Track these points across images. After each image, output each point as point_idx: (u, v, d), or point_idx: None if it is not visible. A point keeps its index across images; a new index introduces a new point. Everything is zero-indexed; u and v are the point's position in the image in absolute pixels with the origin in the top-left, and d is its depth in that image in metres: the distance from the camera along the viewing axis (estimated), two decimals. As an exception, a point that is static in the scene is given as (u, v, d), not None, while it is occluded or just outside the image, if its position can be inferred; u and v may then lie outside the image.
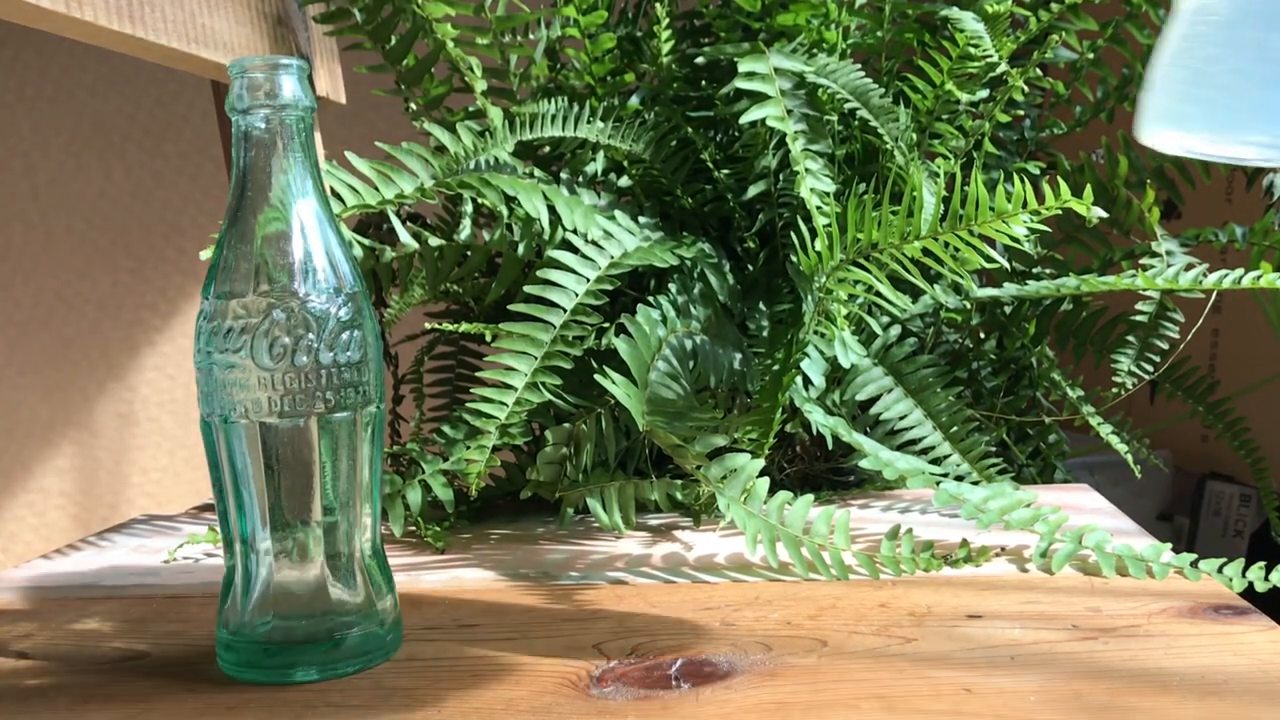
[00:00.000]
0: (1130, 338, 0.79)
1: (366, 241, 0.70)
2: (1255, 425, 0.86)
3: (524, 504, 0.72)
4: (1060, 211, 0.55)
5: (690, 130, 0.77)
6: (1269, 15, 0.36)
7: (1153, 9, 0.81)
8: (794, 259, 0.69)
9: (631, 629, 0.51)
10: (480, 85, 0.76)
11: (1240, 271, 0.65)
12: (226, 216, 0.46)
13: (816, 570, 0.58)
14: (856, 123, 0.76)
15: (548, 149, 0.81)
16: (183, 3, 0.71)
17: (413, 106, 0.80)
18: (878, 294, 0.63)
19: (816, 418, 0.69)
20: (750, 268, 0.78)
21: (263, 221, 0.46)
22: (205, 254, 0.56)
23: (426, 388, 0.83)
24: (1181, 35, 0.38)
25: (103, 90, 1.43)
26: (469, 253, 0.72)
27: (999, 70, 0.71)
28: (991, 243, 0.57)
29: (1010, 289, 0.72)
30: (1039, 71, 0.78)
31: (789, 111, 0.70)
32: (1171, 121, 0.38)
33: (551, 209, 0.69)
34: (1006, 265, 0.65)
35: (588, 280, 0.65)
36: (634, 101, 0.79)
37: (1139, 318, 0.79)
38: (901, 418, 0.72)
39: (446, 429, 0.69)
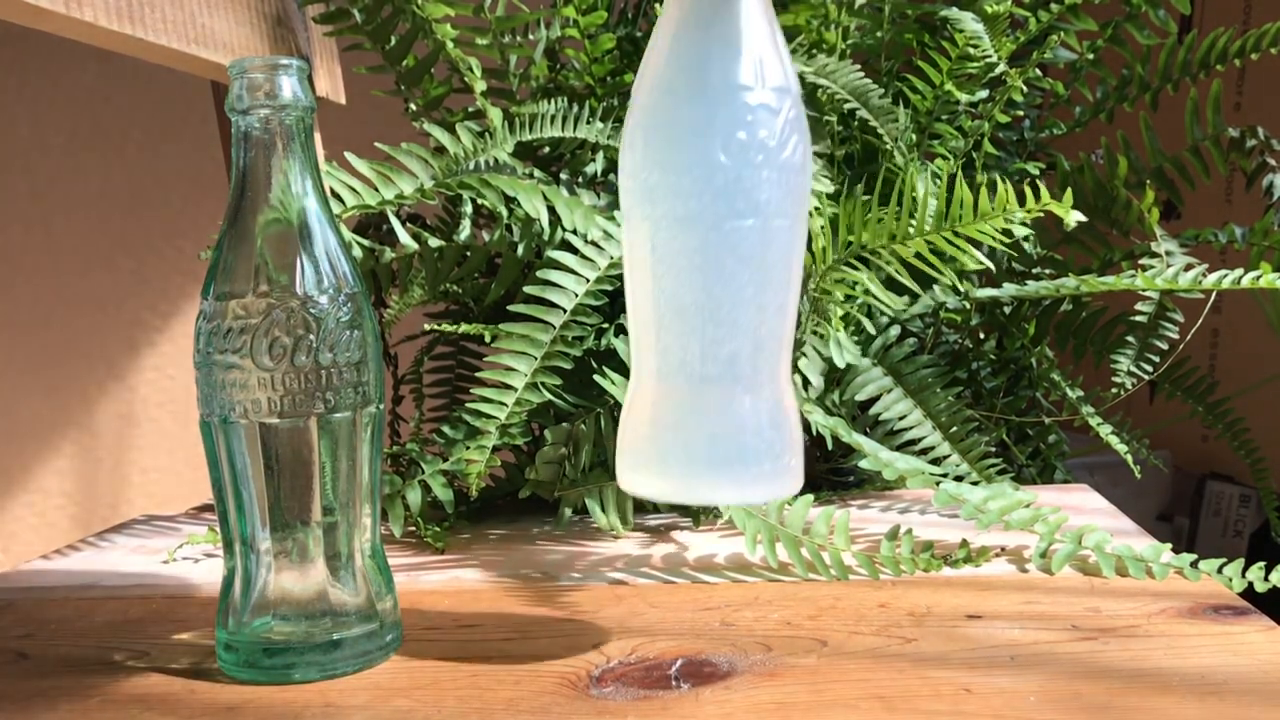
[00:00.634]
0: (1130, 338, 0.79)
1: (366, 242, 0.70)
2: (1255, 425, 0.86)
3: (523, 504, 0.72)
4: (1041, 214, 0.55)
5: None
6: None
7: (1153, 9, 0.81)
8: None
9: (631, 629, 0.51)
10: (480, 86, 0.76)
11: (1240, 272, 0.65)
12: (226, 217, 0.46)
13: (816, 570, 0.58)
14: (856, 123, 0.76)
15: (548, 149, 0.81)
16: (183, 3, 0.71)
17: (412, 107, 0.80)
18: (872, 294, 0.63)
19: (816, 418, 0.69)
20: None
21: (262, 222, 0.46)
22: (205, 254, 0.56)
23: (426, 388, 0.83)
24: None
25: (103, 90, 1.43)
26: (469, 253, 0.72)
27: (998, 71, 0.71)
28: (978, 245, 0.57)
29: (1010, 289, 0.72)
30: (1038, 72, 0.78)
31: (789, 112, 0.70)
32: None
33: (551, 209, 0.69)
34: (991, 267, 0.65)
35: (587, 280, 0.65)
36: (634, 102, 0.79)
37: (1139, 318, 0.79)
38: (901, 418, 0.72)
39: (446, 429, 0.69)
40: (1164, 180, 0.83)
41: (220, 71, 0.77)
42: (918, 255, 0.58)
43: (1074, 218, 0.54)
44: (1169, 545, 0.58)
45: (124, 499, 1.50)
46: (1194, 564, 0.56)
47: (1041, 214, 0.54)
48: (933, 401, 0.72)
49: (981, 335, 0.83)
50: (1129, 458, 0.73)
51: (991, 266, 0.64)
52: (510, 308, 0.66)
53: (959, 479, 0.69)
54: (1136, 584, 0.55)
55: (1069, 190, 0.55)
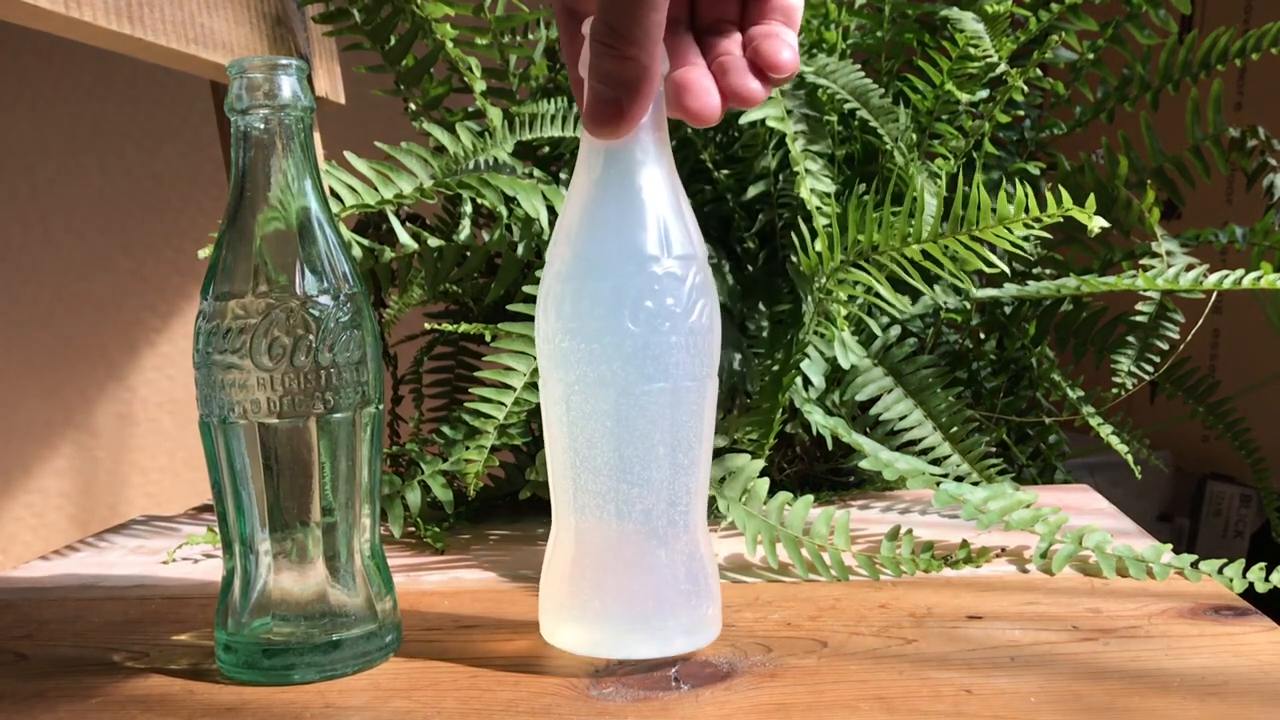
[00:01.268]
0: (1130, 338, 0.78)
1: (366, 242, 0.70)
2: (1255, 425, 0.86)
3: (523, 505, 0.72)
4: (1061, 218, 0.54)
5: (690, 130, 0.77)
6: None
7: (1153, 9, 0.81)
8: (794, 259, 0.69)
9: (631, 630, 0.51)
10: (480, 85, 0.76)
11: (1240, 272, 0.65)
12: (225, 217, 0.46)
13: (816, 571, 0.58)
14: (856, 123, 0.76)
15: (547, 149, 0.80)
16: (182, 3, 0.71)
17: (412, 107, 0.79)
18: (877, 295, 0.63)
19: (816, 418, 0.69)
20: (750, 268, 0.78)
21: (262, 222, 0.46)
22: (204, 254, 0.56)
23: (425, 388, 0.82)
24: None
25: (102, 91, 1.43)
26: (468, 253, 0.72)
27: (999, 70, 0.70)
28: (992, 247, 0.57)
29: (1010, 289, 0.72)
30: (1039, 72, 0.78)
31: (789, 112, 0.70)
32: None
33: (551, 209, 0.69)
34: (1006, 270, 0.65)
35: (587, 281, 0.65)
36: (634, 102, 0.79)
37: (1139, 318, 0.79)
38: (901, 418, 0.72)
39: (445, 429, 0.69)
40: (1165, 180, 0.83)
41: (220, 71, 0.77)
42: (930, 258, 0.58)
43: (1098, 223, 0.54)
44: (1169, 546, 0.58)
45: (123, 499, 1.50)
46: (1195, 564, 0.56)
47: (1061, 218, 0.54)
48: (933, 402, 0.72)
49: (982, 335, 0.83)
50: (1129, 458, 0.73)
51: (1007, 269, 0.65)
52: (510, 308, 0.66)
53: (959, 479, 0.69)
54: (1137, 584, 0.55)
55: (1091, 195, 0.55)
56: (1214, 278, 0.66)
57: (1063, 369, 0.81)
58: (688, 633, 0.47)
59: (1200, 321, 0.76)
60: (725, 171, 0.77)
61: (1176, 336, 0.78)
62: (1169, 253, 0.80)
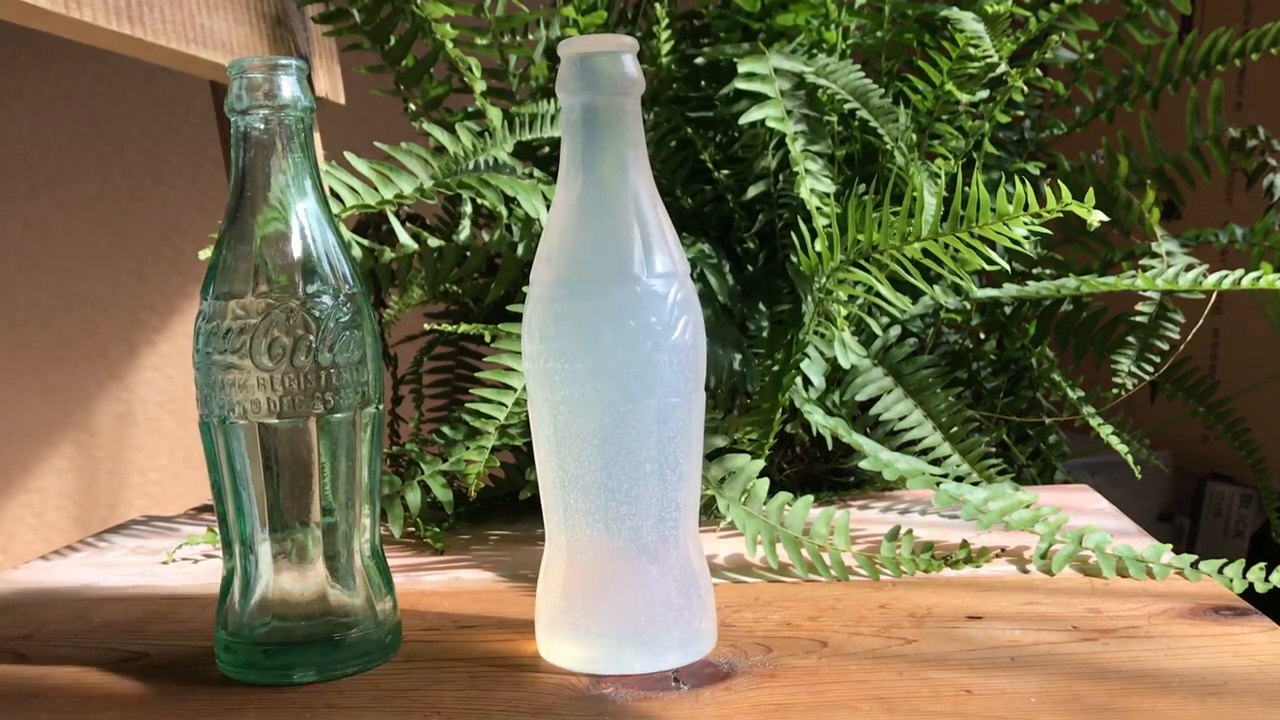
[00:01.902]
0: (1130, 338, 0.78)
1: (366, 242, 0.70)
2: (1255, 425, 0.86)
3: (523, 505, 0.72)
4: (1061, 214, 0.54)
5: (690, 131, 0.77)
6: None
7: (1153, 9, 0.81)
8: (794, 259, 0.69)
9: (631, 630, 0.51)
10: (480, 85, 0.76)
11: (1240, 272, 0.65)
12: (225, 217, 0.46)
13: (816, 571, 0.58)
14: (856, 123, 0.76)
15: (547, 149, 0.80)
16: (182, 3, 0.71)
17: (412, 107, 0.79)
18: (878, 295, 0.63)
19: (816, 418, 0.69)
20: (750, 268, 0.78)
21: (262, 222, 0.46)
22: (204, 254, 0.56)
23: (426, 388, 0.82)
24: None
25: (102, 90, 1.43)
26: (468, 253, 0.72)
27: (999, 71, 0.70)
28: (992, 244, 0.57)
29: (1010, 289, 0.72)
30: (1039, 72, 0.78)
31: (789, 112, 0.70)
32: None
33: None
34: (1007, 267, 0.65)
35: (587, 281, 0.65)
36: (634, 102, 0.79)
37: (1139, 318, 0.79)
38: (901, 418, 0.72)
39: (446, 430, 0.69)
40: (1165, 180, 0.83)
41: (220, 71, 0.77)
42: (930, 256, 0.58)
43: (1097, 217, 0.54)
44: (1169, 546, 0.58)
45: (123, 499, 1.50)
46: (1195, 565, 0.56)
47: (1061, 214, 0.54)
48: (933, 402, 0.72)
49: (982, 335, 0.83)
50: (1129, 458, 0.73)
51: (1008, 267, 0.65)
52: (510, 308, 0.66)
53: (959, 479, 0.69)
54: (1137, 585, 0.55)
55: (1091, 190, 0.55)
56: (1214, 278, 0.66)
57: (1063, 369, 0.81)
58: (682, 646, 0.47)
59: (1200, 321, 0.76)
60: (725, 171, 0.77)
61: (1176, 336, 0.78)
62: (1169, 253, 0.80)
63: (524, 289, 0.65)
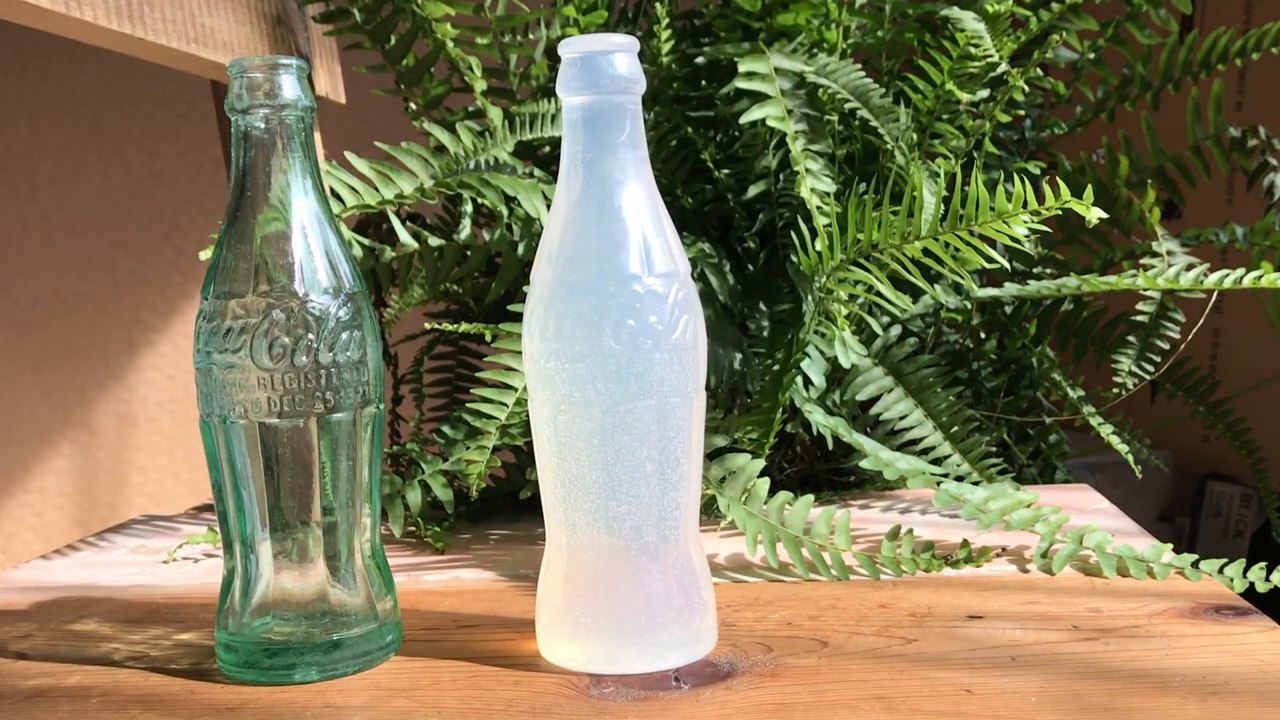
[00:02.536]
0: (1131, 338, 0.78)
1: (366, 241, 0.70)
2: (1256, 425, 0.85)
3: (524, 504, 0.72)
4: (1060, 212, 0.54)
5: (690, 130, 0.77)
6: None
7: (1153, 9, 0.81)
8: (794, 259, 0.69)
9: (631, 629, 0.51)
10: (480, 85, 0.76)
11: (1241, 271, 0.65)
12: (226, 216, 0.46)
13: (817, 571, 0.58)
14: (857, 123, 0.76)
15: (548, 148, 0.80)
16: (182, 3, 0.71)
17: (412, 106, 0.79)
18: (878, 294, 0.63)
19: (817, 418, 0.69)
20: (750, 268, 0.78)
21: (262, 221, 0.46)
22: (204, 254, 0.56)
23: (426, 388, 0.82)
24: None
25: (102, 90, 1.43)
26: (469, 253, 0.72)
27: (999, 70, 0.70)
28: (992, 243, 0.57)
29: (1011, 289, 0.72)
30: (1039, 71, 0.78)
31: (789, 111, 0.70)
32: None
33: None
34: (1007, 265, 0.65)
35: (588, 280, 0.65)
36: (634, 101, 0.79)
37: (1140, 318, 0.79)
38: (902, 418, 0.72)
39: (446, 429, 0.69)
40: (1165, 180, 0.83)
41: (220, 71, 0.77)
42: (931, 255, 0.58)
43: (1095, 214, 0.54)
44: (1170, 545, 0.58)
45: (123, 499, 1.50)
46: (1195, 564, 0.56)
47: (1060, 211, 0.54)
48: (933, 401, 0.72)
49: (982, 335, 0.83)
50: (1130, 458, 0.73)
51: (1008, 266, 0.64)
52: (510, 307, 0.66)
53: (960, 479, 0.69)
54: (1138, 584, 0.55)
55: (1089, 187, 0.55)
56: (1214, 277, 0.66)
57: (1063, 369, 0.81)
58: (682, 645, 0.47)
59: (1200, 321, 0.76)
60: (726, 171, 0.77)
61: (1177, 336, 0.78)
62: (1169, 252, 0.79)
63: (524, 288, 0.65)
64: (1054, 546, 0.59)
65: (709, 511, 0.69)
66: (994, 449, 0.78)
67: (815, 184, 0.68)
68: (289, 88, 0.46)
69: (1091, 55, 0.83)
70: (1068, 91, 0.84)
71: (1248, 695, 0.42)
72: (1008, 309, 0.81)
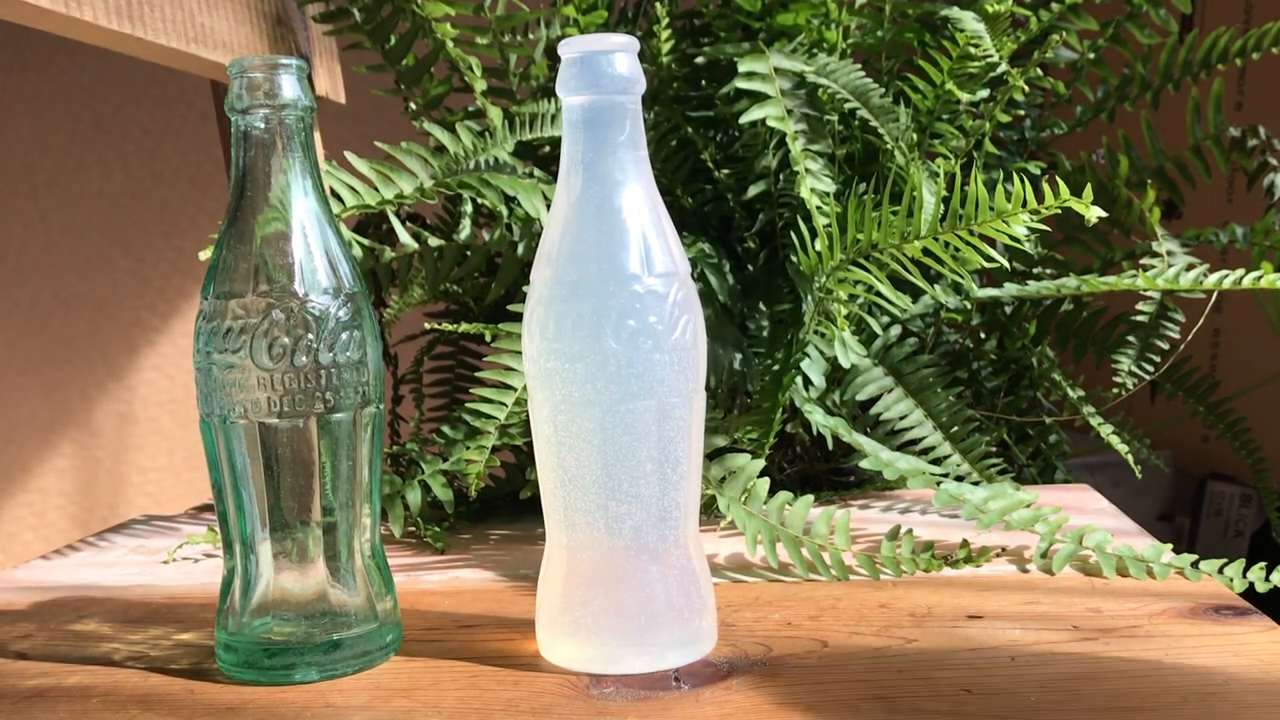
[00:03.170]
0: (1131, 338, 0.78)
1: (366, 241, 0.70)
2: (1256, 425, 0.85)
3: (523, 504, 0.72)
4: (1060, 211, 0.54)
5: (690, 130, 0.77)
6: None
7: (1153, 9, 0.81)
8: (794, 259, 0.69)
9: (631, 629, 0.51)
10: (480, 85, 0.76)
11: (1241, 272, 0.65)
12: (226, 216, 0.46)
13: (817, 571, 0.58)
14: (857, 123, 0.76)
15: (548, 148, 0.80)
16: (182, 2, 0.71)
17: (412, 106, 0.79)
18: (878, 294, 0.63)
19: (817, 418, 0.69)
20: (750, 268, 0.78)
21: (262, 221, 0.46)
22: (204, 254, 0.56)
23: (426, 388, 0.82)
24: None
25: (102, 90, 1.43)
26: (469, 253, 0.72)
27: (999, 70, 0.70)
28: (992, 242, 0.57)
29: (1011, 289, 0.72)
30: (1039, 71, 0.78)
31: (789, 111, 0.70)
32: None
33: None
34: (1007, 265, 0.65)
35: (588, 280, 0.65)
36: (634, 101, 0.79)
37: (1139, 318, 0.79)
38: (902, 418, 0.72)
39: (446, 429, 0.69)
40: (1165, 180, 0.83)
41: (220, 71, 0.77)
42: (930, 255, 0.58)
43: (1094, 213, 0.54)
44: (1170, 545, 0.58)
45: (123, 499, 1.50)
46: (1195, 564, 0.56)
47: (1059, 210, 0.54)
48: (933, 401, 0.72)
49: (982, 335, 0.83)
50: (1130, 458, 0.73)
51: (1008, 265, 0.64)
52: (510, 307, 0.66)
53: (960, 479, 0.69)
54: (1137, 584, 0.55)
55: (1089, 187, 0.55)
56: (1214, 277, 0.66)
57: (1063, 369, 0.81)
58: (682, 645, 0.47)
59: (1200, 321, 0.76)
60: (725, 171, 0.77)
61: (1177, 336, 0.78)
62: (1169, 252, 0.79)
63: (524, 288, 0.65)
64: (1054, 546, 0.59)
65: (709, 511, 0.69)
66: (994, 449, 0.78)
67: (815, 184, 0.68)
68: (289, 88, 0.46)
69: (1091, 55, 0.83)
70: (1068, 91, 0.84)
71: (1248, 695, 0.42)
72: (1007, 309, 0.81)
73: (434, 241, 0.71)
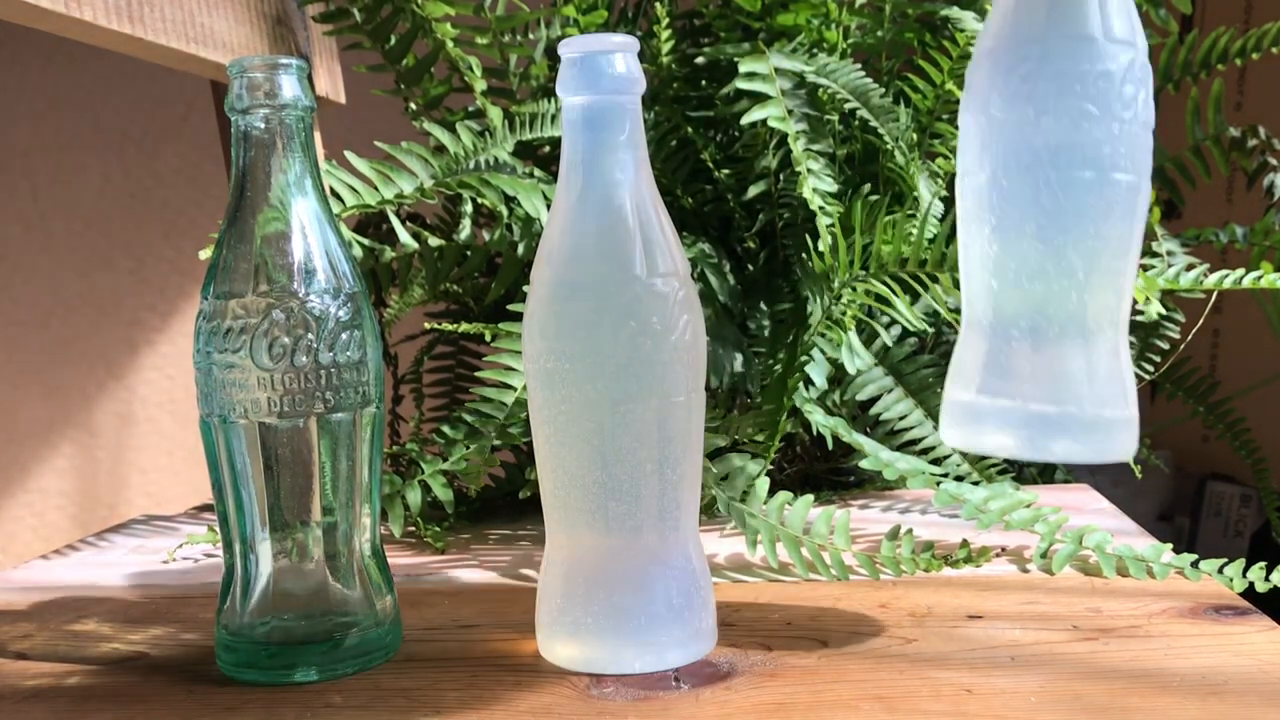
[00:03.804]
0: (1131, 338, 0.78)
1: (366, 241, 0.70)
2: (1255, 425, 0.86)
3: (523, 504, 0.72)
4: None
5: (690, 130, 0.77)
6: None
7: (1153, 9, 0.80)
8: (806, 259, 0.69)
9: (631, 629, 0.51)
10: (480, 85, 0.76)
11: (1241, 271, 0.65)
12: (226, 217, 0.46)
13: (817, 571, 0.58)
14: (857, 123, 0.76)
15: (548, 148, 0.80)
16: (182, 3, 0.71)
17: (412, 106, 0.79)
18: (889, 305, 0.63)
19: (817, 418, 0.69)
20: (750, 268, 0.78)
21: (262, 221, 0.46)
22: (204, 254, 0.56)
23: (426, 388, 0.82)
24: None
25: (102, 90, 1.43)
26: (469, 253, 0.72)
27: (999, 70, 0.70)
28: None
29: (1010, 289, 0.72)
30: (1039, 71, 0.78)
31: (790, 112, 0.70)
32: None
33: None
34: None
35: (588, 280, 0.65)
36: (634, 101, 0.79)
37: (1139, 318, 0.79)
38: (902, 418, 0.72)
39: (446, 429, 0.69)
40: (1165, 180, 0.83)
41: (220, 71, 0.77)
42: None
43: None
44: (1170, 545, 0.58)
45: (123, 499, 1.49)
46: (1195, 564, 0.56)
47: None
48: (933, 401, 0.72)
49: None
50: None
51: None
52: (510, 307, 0.66)
53: (959, 479, 0.69)
54: (1137, 584, 0.55)
55: None
56: (1214, 277, 0.66)
57: (1063, 369, 0.81)
58: (682, 645, 0.47)
59: (1200, 321, 0.76)
60: (726, 171, 0.77)
61: (1177, 336, 0.78)
62: (1169, 252, 0.79)
63: (524, 288, 0.65)
64: (1054, 546, 0.59)
65: (709, 511, 0.69)
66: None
67: (817, 184, 0.68)
68: (289, 88, 0.46)
69: (1091, 55, 0.83)
70: (1067, 91, 0.84)
71: (1248, 695, 0.42)
72: (1008, 309, 0.81)
73: (434, 241, 0.71)
